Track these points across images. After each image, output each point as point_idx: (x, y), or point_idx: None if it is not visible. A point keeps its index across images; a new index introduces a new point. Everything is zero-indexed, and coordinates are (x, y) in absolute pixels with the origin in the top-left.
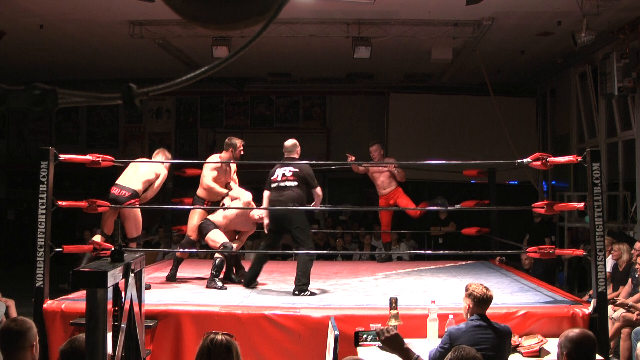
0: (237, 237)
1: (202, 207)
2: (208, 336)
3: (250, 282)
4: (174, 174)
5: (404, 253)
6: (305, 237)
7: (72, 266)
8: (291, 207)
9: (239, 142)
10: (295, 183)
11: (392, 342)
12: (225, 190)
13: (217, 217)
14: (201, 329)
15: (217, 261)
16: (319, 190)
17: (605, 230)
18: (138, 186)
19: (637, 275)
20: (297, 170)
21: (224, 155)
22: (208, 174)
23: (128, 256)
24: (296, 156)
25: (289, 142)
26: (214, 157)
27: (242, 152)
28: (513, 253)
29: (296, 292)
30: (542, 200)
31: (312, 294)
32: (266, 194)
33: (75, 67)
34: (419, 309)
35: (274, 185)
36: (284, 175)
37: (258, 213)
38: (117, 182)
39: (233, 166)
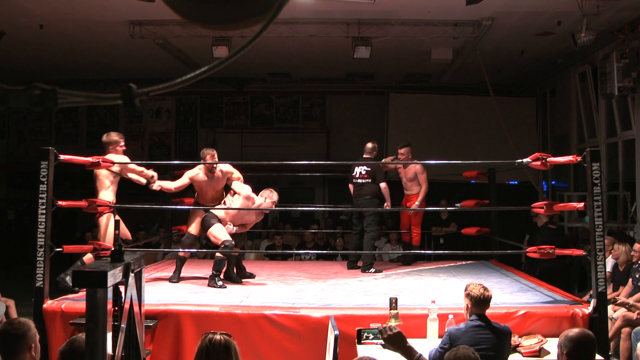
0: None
1: (201, 207)
2: (207, 336)
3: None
4: (174, 174)
5: (404, 253)
6: (374, 224)
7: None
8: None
9: (207, 154)
10: (369, 180)
11: (395, 340)
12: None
13: (220, 211)
14: (201, 329)
15: (217, 259)
16: (382, 185)
17: (605, 230)
18: None
19: (637, 276)
20: (369, 169)
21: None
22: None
23: (128, 256)
24: (371, 156)
25: (369, 145)
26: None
27: (211, 168)
28: (513, 253)
29: (363, 270)
30: (542, 200)
31: (378, 271)
32: (351, 187)
33: (75, 67)
34: (419, 309)
35: (355, 180)
36: (360, 173)
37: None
38: None
39: (227, 169)
